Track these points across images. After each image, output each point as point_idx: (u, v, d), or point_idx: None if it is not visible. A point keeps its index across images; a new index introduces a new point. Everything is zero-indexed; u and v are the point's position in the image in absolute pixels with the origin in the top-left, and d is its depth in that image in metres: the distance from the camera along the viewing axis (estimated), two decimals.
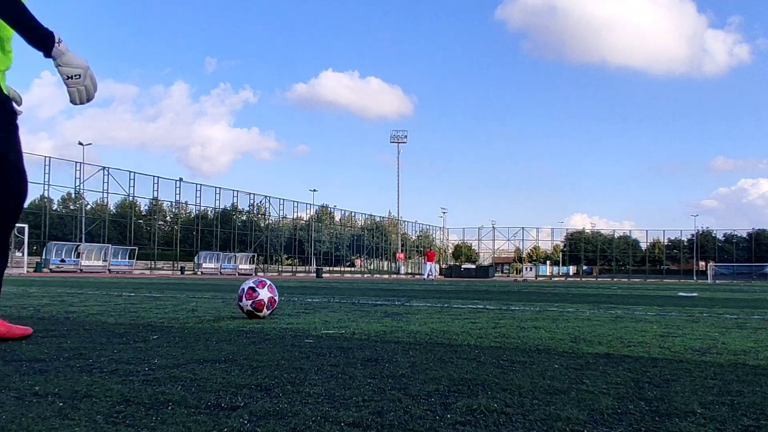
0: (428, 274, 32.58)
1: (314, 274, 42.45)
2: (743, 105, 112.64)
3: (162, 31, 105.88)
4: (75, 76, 2.43)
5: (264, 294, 3.53)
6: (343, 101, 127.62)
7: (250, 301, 3.48)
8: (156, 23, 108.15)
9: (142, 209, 55.14)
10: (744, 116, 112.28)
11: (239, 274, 43.51)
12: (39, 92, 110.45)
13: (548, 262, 77.47)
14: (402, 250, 69.05)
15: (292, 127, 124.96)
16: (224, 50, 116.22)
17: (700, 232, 77.10)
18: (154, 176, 45.95)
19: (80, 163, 41.32)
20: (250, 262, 49.37)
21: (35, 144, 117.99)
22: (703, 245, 76.25)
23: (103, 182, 42.40)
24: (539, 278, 58.47)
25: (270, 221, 58.39)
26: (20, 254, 37.47)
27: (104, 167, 42.22)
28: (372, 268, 64.83)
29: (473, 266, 56.74)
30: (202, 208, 52.07)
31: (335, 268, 61.68)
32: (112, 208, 51.61)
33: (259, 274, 46.43)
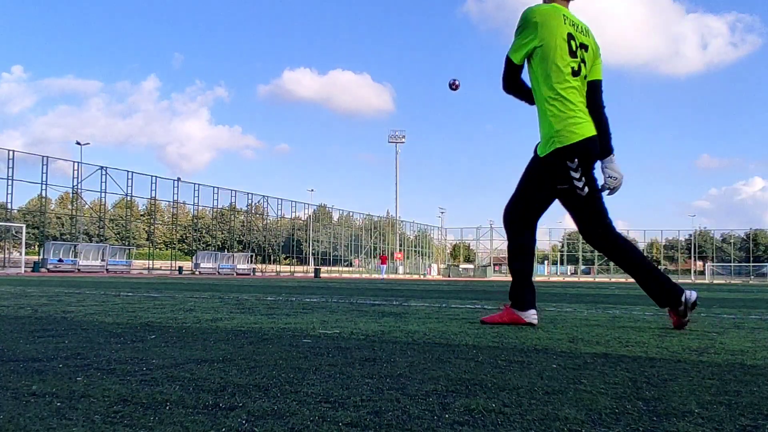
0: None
1: (312, 274, 42.44)
2: (727, 103, 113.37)
3: (130, 26, 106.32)
4: (613, 177, 3.40)
5: None
6: (336, 100, 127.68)
7: None
8: (121, 18, 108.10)
9: (140, 209, 55.04)
10: (729, 114, 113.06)
11: (237, 273, 43.48)
12: (8, 87, 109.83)
13: (546, 262, 77.51)
14: (400, 250, 68.99)
15: (289, 126, 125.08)
16: (203, 47, 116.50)
17: (698, 232, 77.16)
18: (151, 176, 45.86)
19: (79, 162, 41.23)
20: (248, 262, 49.33)
21: (4, 141, 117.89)
22: (701, 245, 76.35)
23: (101, 182, 42.28)
24: (537, 278, 58.53)
25: (268, 221, 58.33)
26: (18, 254, 37.41)
27: (102, 167, 42.12)
28: (370, 268, 64.80)
29: (471, 266, 56.71)
30: (200, 207, 51.93)
31: (333, 268, 61.66)
32: (109, 208, 51.52)
33: (257, 274, 46.42)
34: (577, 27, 3.35)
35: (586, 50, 3.36)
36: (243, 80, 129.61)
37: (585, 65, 3.34)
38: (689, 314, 3.27)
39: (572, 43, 3.27)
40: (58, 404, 1.30)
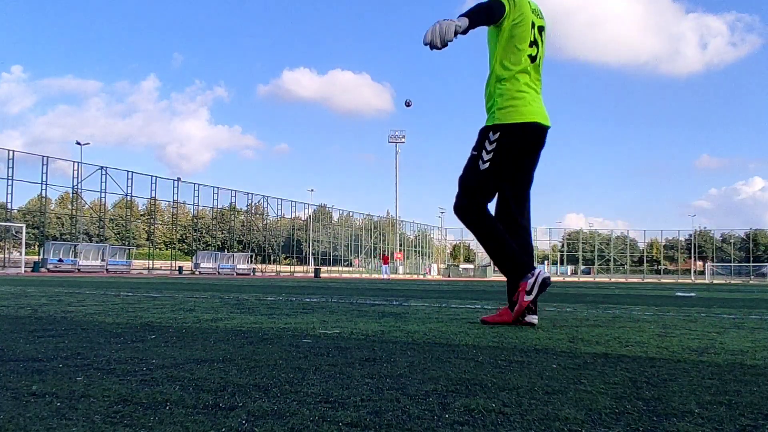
0: None
1: (312, 274, 42.44)
2: (727, 103, 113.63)
3: (130, 26, 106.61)
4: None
5: None
6: (335, 99, 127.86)
7: None
8: (121, 18, 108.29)
9: (140, 209, 55.06)
10: (727, 114, 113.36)
11: (237, 273, 43.47)
12: (7, 87, 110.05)
13: (546, 262, 77.49)
14: (400, 250, 69.01)
15: (289, 126, 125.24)
16: (202, 47, 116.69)
17: (698, 232, 77.17)
18: (151, 176, 45.85)
19: (78, 162, 41.24)
20: (248, 262, 49.34)
21: (4, 141, 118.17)
22: (701, 245, 76.37)
23: (101, 182, 42.27)
24: None
25: (268, 221, 58.34)
26: (18, 254, 37.43)
27: (102, 167, 42.12)
28: (370, 268, 64.83)
29: (471, 266, 56.75)
30: (200, 207, 51.94)
31: (333, 268, 61.67)
32: (109, 208, 51.55)
33: (257, 274, 46.44)
34: (535, 11, 3.37)
35: (542, 31, 3.41)
36: (243, 80, 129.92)
37: (540, 50, 3.38)
38: (535, 293, 3.21)
39: (534, 31, 3.32)
40: (58, 404, 1.30)
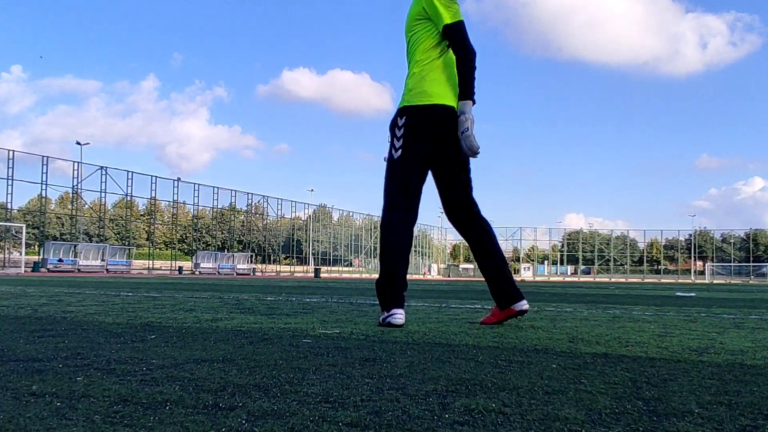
0: None
1: (312, 274, 42.44)
2: (727, 103, 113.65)
3: (129, 25, 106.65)
4: (465, 130, 3.14)
5: None
6: (335, 99, 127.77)
7: None
8: (121, 18, 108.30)
9: (140, 209, 55.07)
10: (727, 114, 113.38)
11: (237, 273, 43.47)
12: (7, 87, 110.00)
13: (546, 262, 77.44)
14: None
15: (288, 126, 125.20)
16: (202, 47, 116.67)
17: (698, 232, 77.15)
18: (151, 176, 45.87)
19: (78, 162, 41.23)
20: (248, 262, 49.33)
21: (4, 141, 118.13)
22: (701, 245, 76.36)
23: (101, 182, 42.29)
24: (537, 278, 58.50)
25: (268, 221, 58.32)
26: (18, 254, 37.44)
27: (102, 167, 42.13)
28: (370, 268, 64.80)
29: (471, 266, 56.70)
30: (200, 207, 51.95)
31: (333, 268, 61.66)
32: (109, 208, 51.54)
33: (257, 274, 46.44)
34: None
35: None
36: (242, 80, 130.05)
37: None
38: (380, 324, 3.10)
39: None
40: (58, 404, 1.30)
